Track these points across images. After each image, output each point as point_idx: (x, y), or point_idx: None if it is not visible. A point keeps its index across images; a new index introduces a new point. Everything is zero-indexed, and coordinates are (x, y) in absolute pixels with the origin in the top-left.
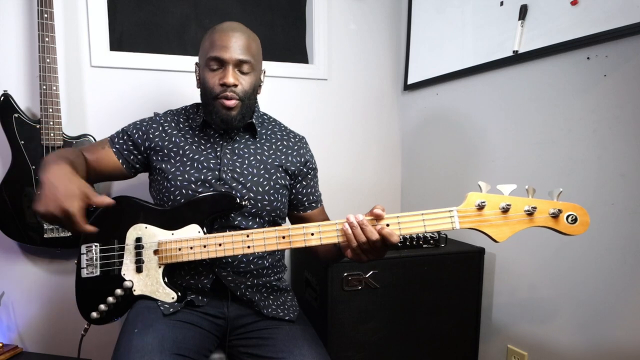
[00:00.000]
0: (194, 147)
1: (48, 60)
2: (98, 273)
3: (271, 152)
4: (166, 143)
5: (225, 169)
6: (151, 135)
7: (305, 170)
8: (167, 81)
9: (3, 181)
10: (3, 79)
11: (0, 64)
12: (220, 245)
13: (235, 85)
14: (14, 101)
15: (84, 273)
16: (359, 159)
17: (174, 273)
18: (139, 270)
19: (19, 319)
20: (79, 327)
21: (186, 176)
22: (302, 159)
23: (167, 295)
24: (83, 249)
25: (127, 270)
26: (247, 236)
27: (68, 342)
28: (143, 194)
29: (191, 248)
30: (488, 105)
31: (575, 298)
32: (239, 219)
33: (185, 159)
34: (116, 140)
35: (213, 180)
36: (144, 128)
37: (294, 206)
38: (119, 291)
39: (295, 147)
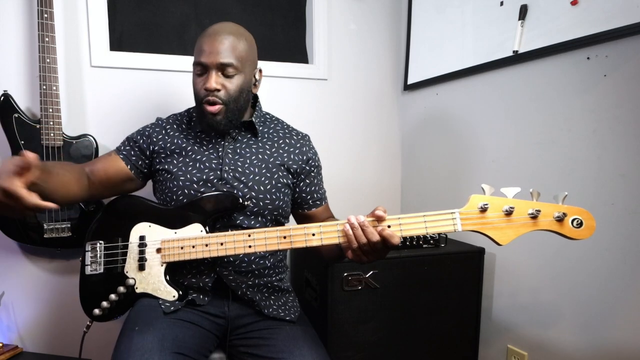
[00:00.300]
0: (196, 148)
1: (48, 60)
2: (102, 270)
3: (273, 150)
4: (169, 145)
5: (227, 168)
6: (155, 139)
7: (307, 168)
8: (167, 81)
9: None
10: (3, 79)
11: (0, 64)
12: (222, 244)
13: (218, 90)
14: (14, 101)
15: (88, 270)
16: (359, 159)
17: (176, 272)
18: (141, 268)
19: (19, 319)
20: (79, 327)
21: (188, 176)
22: (305, 157)
23: (169, 293)
24: (87, 246)
25: (130, 268)
26: (249, 236)
27: (68, 342)
28: (147, 194)
29: (193, 247)
30: (488, 105)
31: (575, 298)
32: (241, 218)
33: (187, 160)
34: (122, 148)
35: (215, 180)
36: (147, 133)
37: (298, 204)
38: (121, 289)
39: (298, 145)
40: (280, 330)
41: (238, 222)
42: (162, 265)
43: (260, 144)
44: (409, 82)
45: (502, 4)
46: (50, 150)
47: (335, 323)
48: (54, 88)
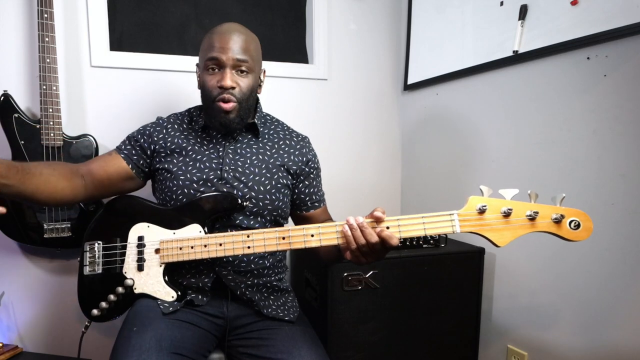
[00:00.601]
0: (196, 148)
1: (48, 60)
2: (100, 271)
3: (273, 151)
4: (169, 144)
5: (227, 168)
6: (155, 138)
7: (307, 169)
8: (167, 81)
9: None
10: (3, 79)
11: (0, 64)
12: (220, 245)
13: (233, 88)
14: (14, 101)
15: (86, 270)
16: (359, 159)
17: (175, 272)
18: (140, 268)
19: (19, 319)
20: (78, 327)
21: (188, 176)
22: (304, 159)
23: (167, 294)
24: (86, 246)
25: (129, 268)
26: (248, 236)
27: (68, 342)
28: (146, 194)
29: (192, 247)
30: (488, 105)
31: (575, 298)
32: (240, 218)
33: (187, 159)
34: (123, 147)
35: (215, 180)
36: (148, 132)
37: (297, 206)
38: (120, 289)
39: (298, 147)
40: (279, 330)
41: (237, 222)
42: (160, 266)
43: (260, 145)
44: (409, 82)
45: (502, 4)
46: (50, 150)
47: (335, 323)
48: (54, 88)
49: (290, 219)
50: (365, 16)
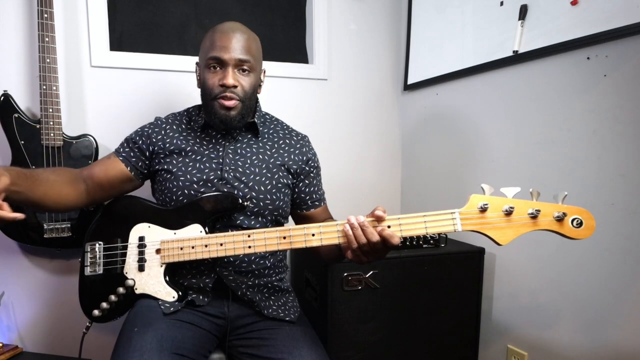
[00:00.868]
0: (196, 148)
1: (48, 60)
2: (101, 271)
3: (273, 151)
4: (168, 145)
5: (227, 168)
6: (154, 140)
7: (307, 168)
8: (167, 81)
9: None
10: (3, 79)
11: (0, 64)
12: (221, 245)
13: (235, 86)
14: (14, 101)
15: (87, 271)
16: (359, 159)
17: (176, 272)
18: (141, 269)
19: (19, 319)
20: (79, 327)
21: (188, 176)
22: (304, 158)
23: (168, 294)
24: (87, 247)
25: (130, 268)
26: (248, 236)
27: (68, 342)
28: (146, 194)
29: (193, 247)
30: (488, 105)
31: (575, 298)
32: (241, 218)
33: (187, 160)
34: (121, 150)
35: (215, 180)
36: (146, 133)
37: (297, 205)
38: (121, 289)
39: (298, 146)
40: (280, 330)
41: (238, 222)
42: (161, 266)
43: (260, 144)
44: (409, 82)
45: (502, 4)
46: (50, 150)
47: (335, 323)
48: (54, 88)
49: (290, 218)
50: (365, 16)
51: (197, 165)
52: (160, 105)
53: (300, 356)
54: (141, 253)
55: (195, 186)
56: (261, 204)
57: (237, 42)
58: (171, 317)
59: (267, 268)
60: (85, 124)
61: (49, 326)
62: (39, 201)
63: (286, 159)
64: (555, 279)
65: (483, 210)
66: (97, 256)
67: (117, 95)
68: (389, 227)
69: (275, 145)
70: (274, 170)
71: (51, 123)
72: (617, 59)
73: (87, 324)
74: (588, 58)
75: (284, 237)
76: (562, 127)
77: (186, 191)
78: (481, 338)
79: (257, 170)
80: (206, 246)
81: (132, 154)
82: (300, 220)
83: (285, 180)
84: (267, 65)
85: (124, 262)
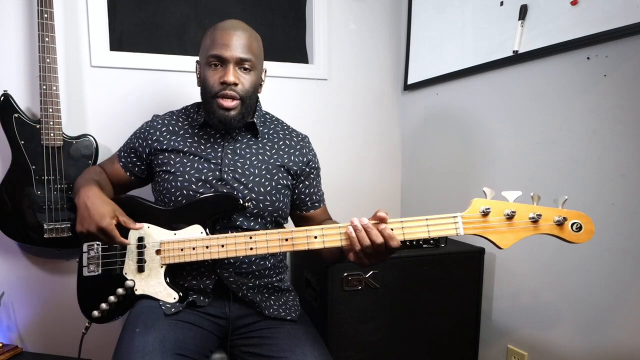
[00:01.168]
0: (194, 147)
1: (48, 60)
2: (99, 272)
3: (273, 151)
4: (165, 146)
5: (226, 169)
6: (150, 141)
7: (307, 169)
8: (167, 81)
9: (3, 181)
10: (3, 79)
11: (0, 64)
12: (222, 246)
13: (236, 84)
14: (14, 101)
15: (86, 272)
16: (359, 159)
17: (176, 273)
18: (140, 270)
19: (19, 319)
20: (79, 327)
21: (187, 176)
22: (305, 159)
23: (169, 295)
24: (85, 247)
25: (129, 269)
26: (250, 238)
27: (68, 342)
28: (146, 194)
29: (193, 249)
30: (488, 105)
31: (575, 298)
32: (240, 219)
33: (185, 160)
34: (121, 155)
35: (214, 181)
36: (142, 135)
37: (297, 206)
38: (120, 290)
39: (298, 147)
40: (281, 329)
41: (238, 223)
42: (162, 267)
43: (260, 145)
44: (409, 82)
45: (502, 4)
46: (50, 150)
47: (335, 323)
48: (54, 88)
49: (289, 219)
50: (365, 16)
51: (196, 165)
52: (160, 105)
53: (303, 354)
54: (140, 254)
55: (194, 186)
56: (261, 205)
57: (238, 40)
58: (172, 317)
59: (268, 269)
60: (85, 124)
61: (49, 326)
62: None
63: (286, 160)
64: (555, 279)
65: (485, 214)
66: (96, 257)
67: (117, 95)
68: (392, 230)
69: (275, 146)
70: (274, 171)
71: (51, 123)
72: (617, 59)
73: (87, 324)
74: (588, 58)
75: (286, 239)
76: (562, 127)
77: (185, 191)
78: (481, 338)
79: (256, 171)
80: (207, 247)
81: (129, 159)
82: (299, 221)
83: (284, 181)
84: (267, 65)
85: (123, 262)
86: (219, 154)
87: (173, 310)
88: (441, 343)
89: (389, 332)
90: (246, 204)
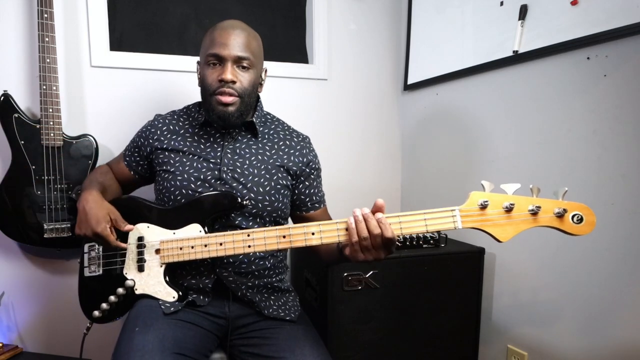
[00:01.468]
0: (193, 147)
1: (48, 60)
2: (100, 272)
3: (273, 152)
4: (165, 145)
5: (226, 168)
6: (151, 140)
7: (307, 170)
8: (167, 81)
9: (3, 181)
10: (3, 79)
11: (0, 64)
12: (221, 244)
13: (234, 82)
14: (14, 101)
15: (87, 272)
16: (359, 159)
17: (176, 273)
18: (140, 269)
19: (19, 319)
20: (79, 327)
21: (186, 175)
22: (305, 159)
23: (168, 294)
24: (86, 248)
25: (129, 269)
26: (248, 235)
27: (68, 342)
28: (147, 193)
29: (192, 247)
30: (488, 105)
31: (575, 298)
32: (239, 219)
33: (185, 159)
34: (126, 154)
35: (213, 180)
36: (144, 135)
37: (297, 206)
38: (120, 290)
39: (298, 147)
40: (281, 329)
41: (236, 223)
42: (161, 266)
43: (260, 145)
44: (409, 82)
45: (502, 4)
46: (50, 150)
47: (335, 323)
48: (54, 88)
49: (290, 219)
50: (365, 16)
51: (195, 164)
52: (160, 105)
53: (302, 354)
54: (140, 253)
55: (193, 186)
56: (259, 205)
57: (236, 39)
58: (172, 317)
59: (267, 269)
60: (85, 124)
61: (49, 326)
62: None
63: (286, 160)
64: (555, 278)
65: (483, 207)
66: (97, 257)
67: (117, 95)
68: (389, 224)
69: (275, 146)
70: (273, 171)
71: (51, 123)
72: (617, 59)
73: (88, 325)
74: (588, 58)
75: (284, 236)
76: (562, 127)
77: (184, 190)
78: (481, 338)
79: (255, 171)
80: (205, 246)
81: (133, 158)
82: (299, 221)
83: (284, 182)
84: (267, 65)
85: (123, 262)
86: (219, 154)
87: (172, 309)
88: (441, 343)
89: (389, 332)
90: (245, 203)
